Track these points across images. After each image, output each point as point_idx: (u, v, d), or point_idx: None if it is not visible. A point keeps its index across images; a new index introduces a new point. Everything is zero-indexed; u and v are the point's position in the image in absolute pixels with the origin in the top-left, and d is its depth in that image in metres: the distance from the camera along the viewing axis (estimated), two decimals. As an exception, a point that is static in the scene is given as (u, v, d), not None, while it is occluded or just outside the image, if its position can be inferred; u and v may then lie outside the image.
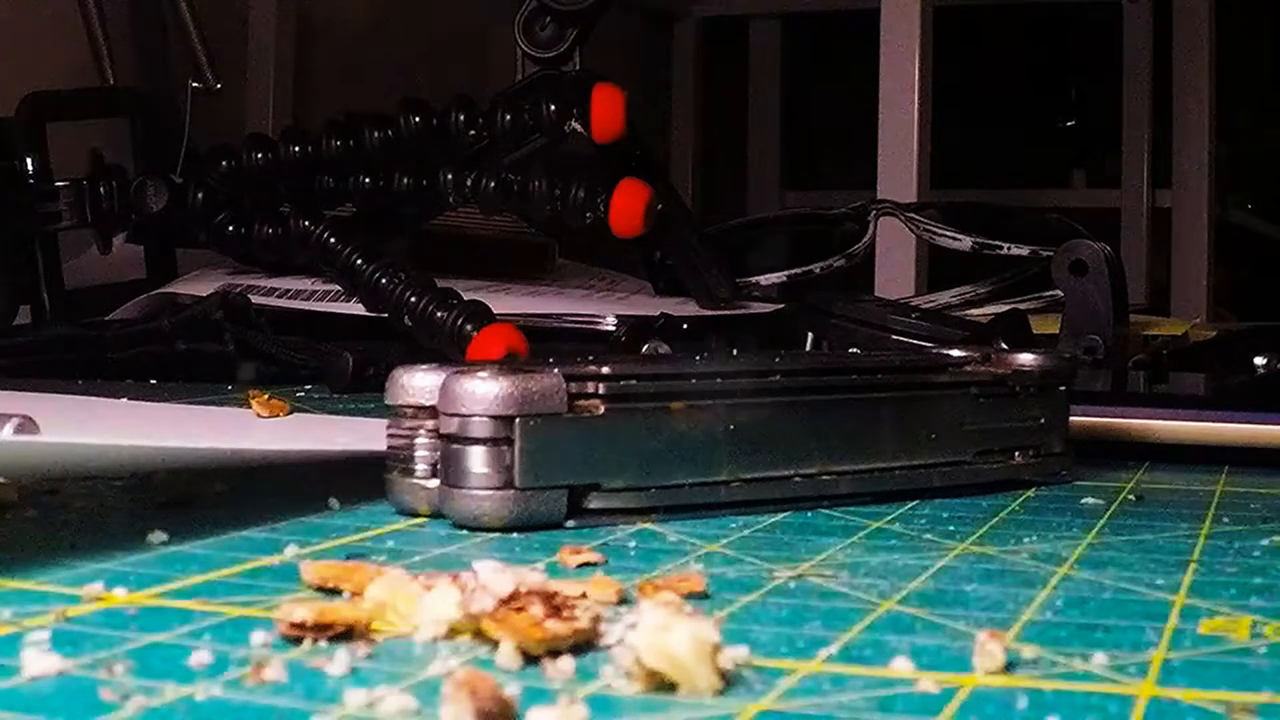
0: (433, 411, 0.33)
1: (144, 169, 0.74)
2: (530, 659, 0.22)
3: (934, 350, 0.44)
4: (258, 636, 0.23)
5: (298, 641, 0.23)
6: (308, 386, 0.64)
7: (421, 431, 0.34)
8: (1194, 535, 0.33)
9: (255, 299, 0.71)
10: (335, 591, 0.26)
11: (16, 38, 0.94)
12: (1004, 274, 0.83)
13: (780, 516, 0.35)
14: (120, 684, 0.21)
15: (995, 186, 1.73)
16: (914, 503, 0.37)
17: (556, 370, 0.33)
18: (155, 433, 0.46)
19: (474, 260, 0.83)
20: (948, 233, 0.88)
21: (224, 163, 0.72)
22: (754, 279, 0.83)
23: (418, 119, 0.72)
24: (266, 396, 0.51)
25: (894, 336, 0.63)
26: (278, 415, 0.49)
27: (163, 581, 0.27)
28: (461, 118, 0.72)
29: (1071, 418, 0.41)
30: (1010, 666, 0.22)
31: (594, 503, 0.33)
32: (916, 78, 1.17)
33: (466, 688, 0.19)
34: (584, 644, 0.23)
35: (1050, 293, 0.78)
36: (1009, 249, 0.84)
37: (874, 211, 0.91)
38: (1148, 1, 1.78)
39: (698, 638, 0.21)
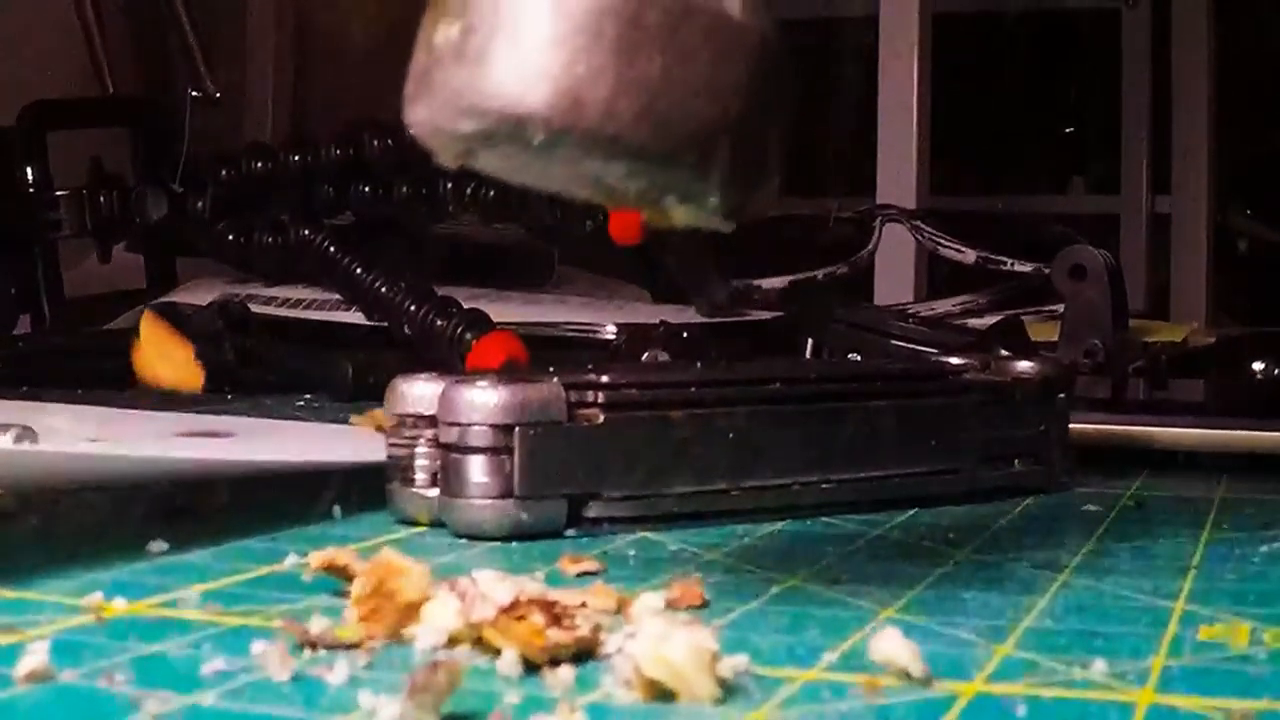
0: (433, 420, 0.33)
1: (144, 178, 0.75)
2: (530, 667, 0.22)
3: (934, 358, 0.44)
4: (259, 646, 0.23)
5: (300, 650, 0.23)
6: (308, 395, 0.64)
7: (421, 441, 0.34)
8: (1193, 542, 0.33)
9: (255, 308, 0.71)
10: (343, 575, 0.26)
11: (16, 46, 0.94)
12: (1006, 284, 0.83)
13: (780, 525, 0.35)
14: (120, 693, 0.21)
15: (995, 193, 1.73)
16: (913, 510, 0.37)
17: (556, 379, 0.33)
18: (155, 443, 0.46)
19: (474, 268, 0.82)
20: (952, 244, 0.87)
21: (224, 171, 0.72)
22: (755, 283, 0.83)
23: (418, 127, 0.72)
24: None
25: (894, 344, 0.63)
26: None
27: (163, 591, 0.27)
28: (461, 125, 0.72)
29: (1071, 425, 0.41)
30: (1010, 673, 0.22)
31: (593, 511, 0.33)
32: (916, 84, 1.17)
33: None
34: (584, 653, 0.23)
35: (1050, 307, 0.78)
36: (1012, 265, 0.84)
37: (879, 218, 0.91)
38: (1147, 7, 1.79)
39: (697, 646, 0.21)
